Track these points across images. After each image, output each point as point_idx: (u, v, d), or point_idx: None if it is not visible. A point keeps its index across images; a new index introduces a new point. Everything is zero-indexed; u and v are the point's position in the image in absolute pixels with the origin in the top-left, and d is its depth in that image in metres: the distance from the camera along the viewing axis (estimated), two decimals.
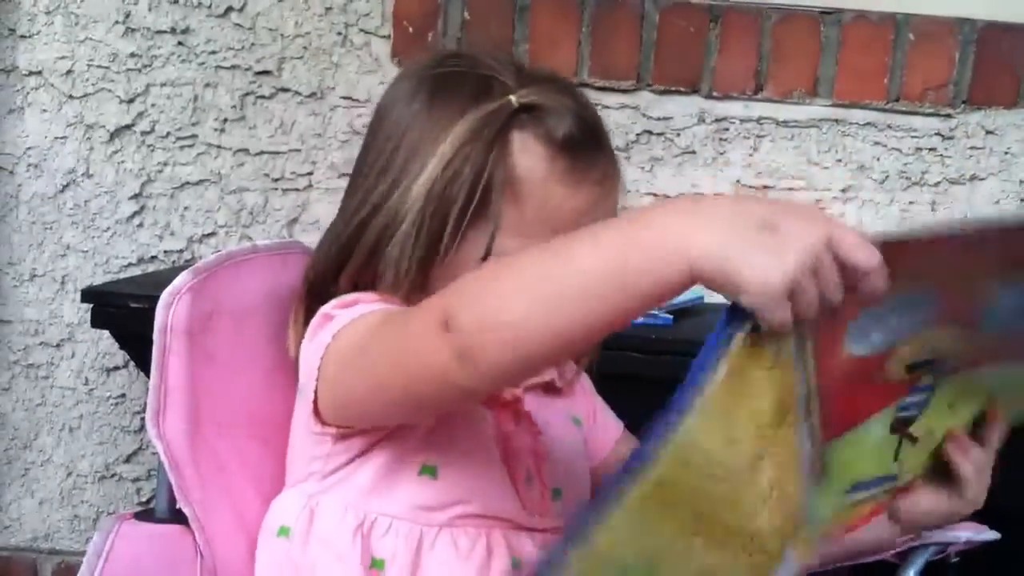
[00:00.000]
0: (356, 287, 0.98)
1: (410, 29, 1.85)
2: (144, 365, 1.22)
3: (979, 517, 1.17)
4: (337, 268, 0.99)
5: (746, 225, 0.66)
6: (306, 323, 0.98)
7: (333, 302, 0.97)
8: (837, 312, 0.66)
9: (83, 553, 1.00)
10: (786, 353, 0.67)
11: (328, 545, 0.95)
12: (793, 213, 0.66)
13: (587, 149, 0.95)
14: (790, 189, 1.87)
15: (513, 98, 0.95)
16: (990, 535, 1.16)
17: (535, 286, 0.73)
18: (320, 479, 0.97)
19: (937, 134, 1.86)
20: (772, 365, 0.67)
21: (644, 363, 1.43)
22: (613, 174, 0.99)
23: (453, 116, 0.95)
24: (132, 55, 1.88)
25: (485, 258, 0.94)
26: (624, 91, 1.86)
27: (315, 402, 0.94)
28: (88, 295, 1.55)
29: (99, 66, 1.89)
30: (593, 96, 1.84)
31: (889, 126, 1.86)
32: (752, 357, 0.66)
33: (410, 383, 0.83)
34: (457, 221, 0.93)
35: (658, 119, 1.87)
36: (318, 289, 0.99)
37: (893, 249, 0.66)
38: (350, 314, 0.93)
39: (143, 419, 1.85)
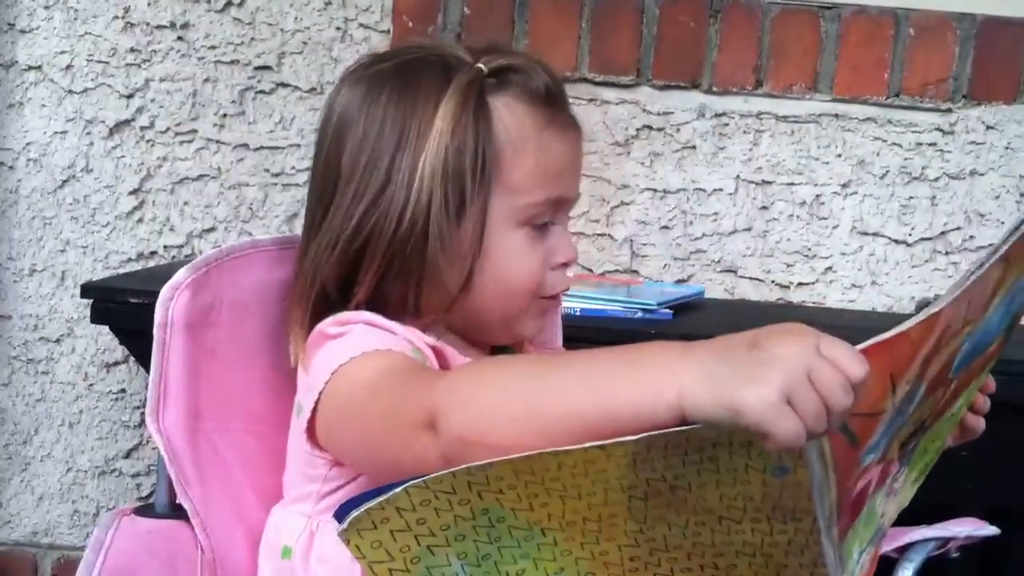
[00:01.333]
0: (378, 288, 0.98)
1: (410, 24, 1.85)
2: (144, 360, 1.22)
3: (979, 513, 1.17)
4: (350, 271, 0.98)
5: (733, 349, 0.65)
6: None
7: (329, 320, 0.97)
8: (852, 434, 0.65)
9: (83, 548, 1.00)
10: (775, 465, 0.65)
11: (327, 562, 0.96)
12: (779, 329, 0.65)
13: (558, 99, 1.00)
14: (790, 184, 1.87)
15: (482, 65, 0.97)
16: (990, 531, 1.16)
17: (523, 412, 0.73)
18: (317, 500, 0.97)
19: (937, 129, 1.86)
20: (764, 469, 0.65)
21: None
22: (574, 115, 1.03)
23: (431, 95, 0.96)
24: (131, 50, 1.88)
25: (482, 228, 0.96)
26: (624, 86, 1.86)
27: (311, 426, 0.94)
28: (88, 290, 1.55)
29: (98, 61, 1.89)
30: (593, 91, 1.85)
31: (889, 121, 1.86)
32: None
33: (398, 461, 0.84)
34: (471, 191, 0.95)
35: (658, 114, 1.87)
36: (336, 300, 0.99)
37: (880, 352, 0.64)
38: (351, 344, 0.93)
39: (143, 414, 1.85)
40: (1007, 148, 1.86)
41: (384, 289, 0.98)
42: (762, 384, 0.61)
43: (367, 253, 0.97)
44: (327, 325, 0.97)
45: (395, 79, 0.99)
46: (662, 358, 0.68)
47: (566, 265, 1.01)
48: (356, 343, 0.93)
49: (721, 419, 0.62)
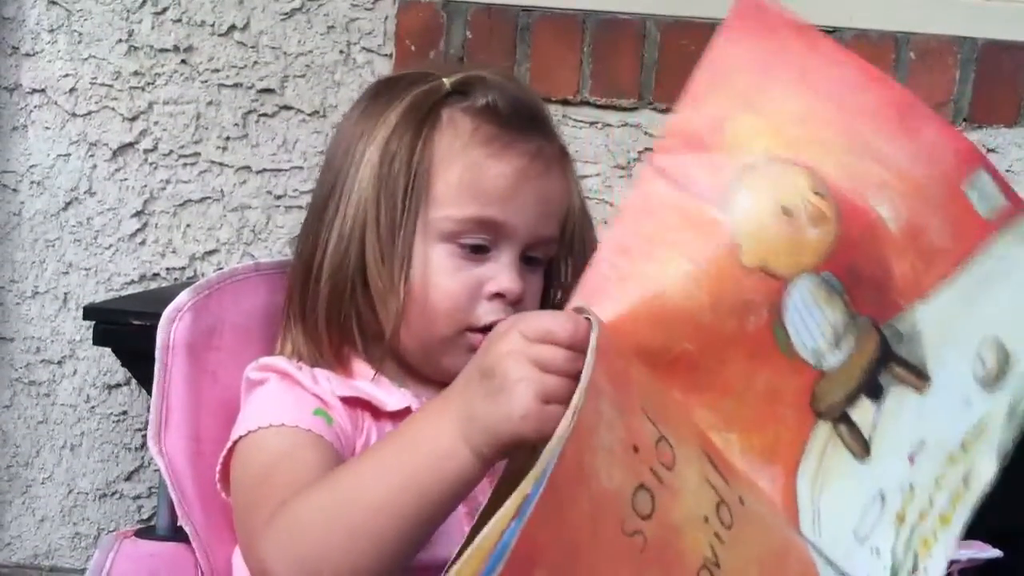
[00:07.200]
0: (330, 315, 0.96)
1: (412, 48, 1.86)
2: (146, 382, 1.22)
3: (982, 535, 1.16)
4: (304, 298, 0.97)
5: (470, 384, 0.66)
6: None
7: (253, 364, 0.96)
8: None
9: (84, 571, 1.00)
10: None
11: None
12: (486, 344, 0.66)
13: (515, 120, 0.94)
14: None
15: (445, 80, 0.95)
16: (993, 553, 1.15)
17: (347, 537, 0.72)
18: None
19: None
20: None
21: None
22: (553, 154, 0.97)
23: (386, 107, 0.95)
24: (135, 73, 1.89)
25: (412, 243, 0.92)
26: (626, 109, 1.86)
27: (223, 469, 0.93)
28: (90, 312, 1.55)
29: (102, 84, 1.89)
30: (595, 114, 1.85)
31: None
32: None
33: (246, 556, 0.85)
34: (402, 203, 0.92)
35: (660, 137, 1.87)
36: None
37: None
38: (261, 403, 0.92)
39: (144, 436, 1.85)
40: (1008, 171, 1.86)
41: (333, 316, 0.96)
42: (513, 405, 0.63)
43: (316, 276, 0.95)
44: (251, 369, 0.96)
45: (367, 98, 0.99)
46: (436, 419, 0.69)
47: (501, 297, 0.93)
48: (264, 406, 0.92)
49: (513, 446, 0.64)
